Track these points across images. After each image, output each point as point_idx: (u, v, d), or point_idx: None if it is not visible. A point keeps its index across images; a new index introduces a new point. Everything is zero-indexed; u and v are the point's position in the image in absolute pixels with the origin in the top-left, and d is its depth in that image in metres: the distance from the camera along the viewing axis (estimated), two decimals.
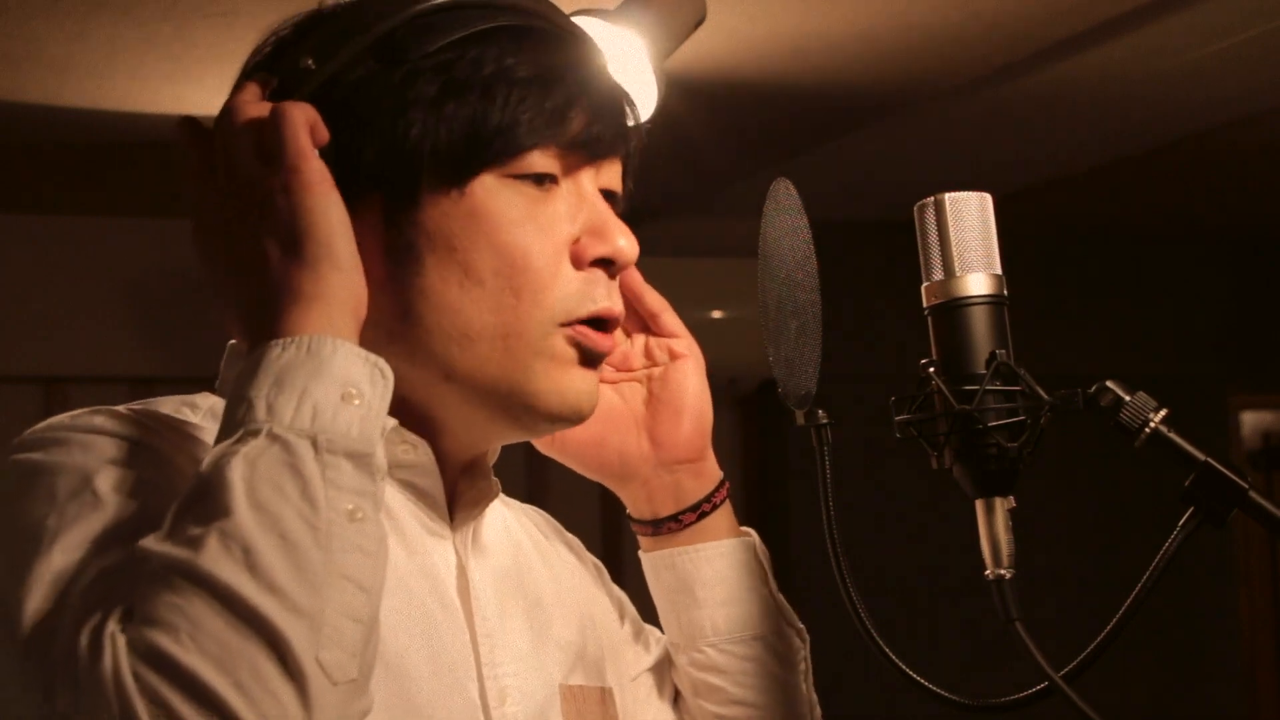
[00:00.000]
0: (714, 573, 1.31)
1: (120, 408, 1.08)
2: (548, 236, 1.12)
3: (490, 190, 1.11)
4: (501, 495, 1.28)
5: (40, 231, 4.03)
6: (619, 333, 1.31)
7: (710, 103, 3.29)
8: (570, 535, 1.39)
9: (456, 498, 1.19)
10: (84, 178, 3.93)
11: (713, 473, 1.33)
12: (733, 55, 3.08)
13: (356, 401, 0.98)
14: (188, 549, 0.91)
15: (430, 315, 1.11)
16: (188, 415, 1.11)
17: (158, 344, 4.03)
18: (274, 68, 1.12)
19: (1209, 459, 1.12)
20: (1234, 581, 4.96)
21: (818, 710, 1.36)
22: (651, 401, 1.32)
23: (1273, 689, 5.12)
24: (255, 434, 0.95)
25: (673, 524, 1.32)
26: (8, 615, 0.97)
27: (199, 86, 3.14)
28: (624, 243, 1.15)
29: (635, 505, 1.34)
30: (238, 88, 1.11)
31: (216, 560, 0.90)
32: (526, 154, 1.11)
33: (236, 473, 0.93)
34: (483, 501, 1.21)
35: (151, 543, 0.93)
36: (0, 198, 3.94)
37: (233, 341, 1.17)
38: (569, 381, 1.14)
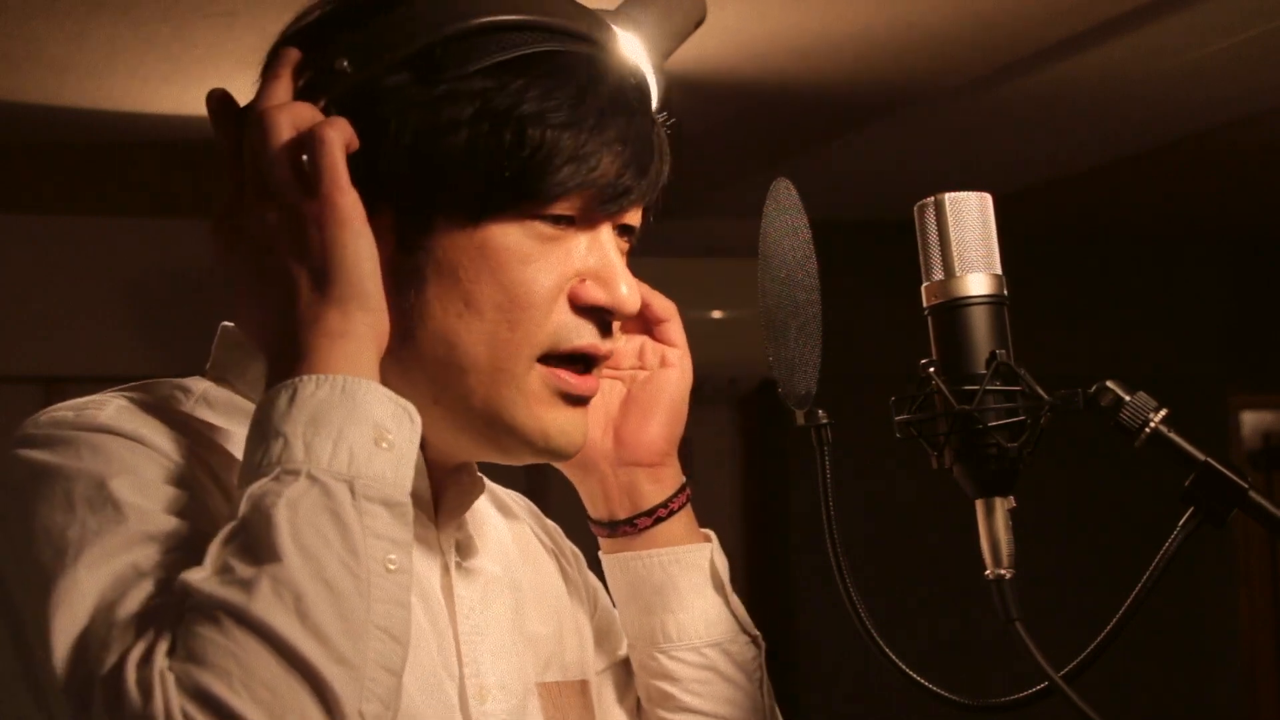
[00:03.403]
0: (666, 578, 1.30)
1: (120, 397, 1.08)
2: (553, 273, 1.11)
3: (506, 229, 1.10)
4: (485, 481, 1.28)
5: (40, 231, 4.03)
6: (616, 329, 1.30)
7: (710, 103, 3.29)
8: (550, 521, 1.39)
9: (441, 495, 1.20)
10: (84, 178, 3.94)
11: (673, 479, 1.31)
12: (733, 55, 3.08)
13: (386, 445, 0.99)
14: (241, 592, 0.92)
15: (426, 341, 1.11)
16: (181, 401, 1.12)
17: (158, 344, 4.03)
18: (308, 59, 1.10)
19: (1209, 459, 1.12)
20: (1234, 581, 4.97)
21: (777, 717, 1.35)
22: (627, 400, 1.31)
23: (1273, 689, 5.12)
24: (294, 474, 0.96)
25: (628, 528, 1.31)
26: (35, 634, 0.96)
27: (198, 86, 3.14)
28: (625, 292, 1.14)
29: (593, 504, 1.33)
30: (271, 75, 1.09)
31: (270, 607, 0.91)
32: (550, 202, 1.10)
33: (282, 515, 0.94)
34: (467, 499, 1.21)
35: (198, 579, 0.93)
36: (0, 198, 3.95)
37: (225, 324, 1.17)
38: (552, 419, 1.13)
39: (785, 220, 1.23)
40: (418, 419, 1.02)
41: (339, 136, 1.04)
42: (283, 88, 1.08)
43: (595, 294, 1.13)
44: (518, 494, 1.38)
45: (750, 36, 2.99)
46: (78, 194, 4.02)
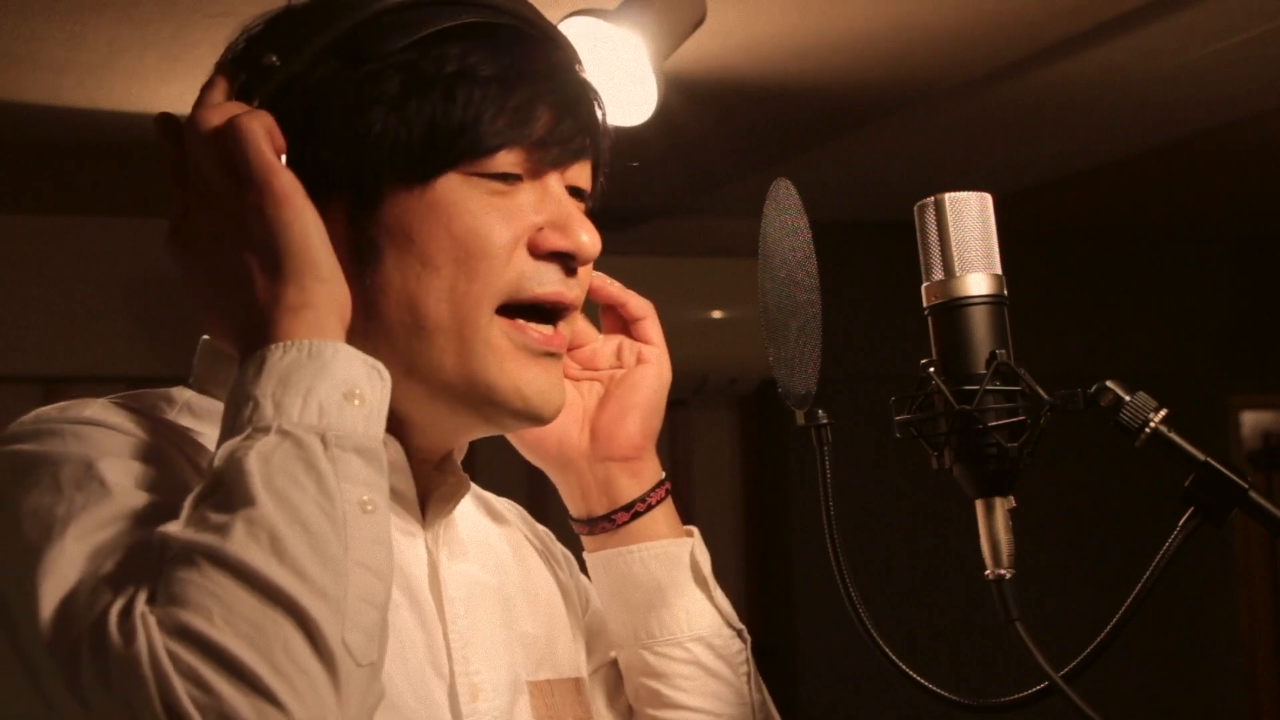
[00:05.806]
0: (646, 574, 1.30)
1: (105, 400, 1.10)
2: (508, 224, 1.13)
3: (452, 186, 1.12)
4: (474, 486, 1.29)
5: (40, 231, 4.02)
6: (590, 329, 1.31)
7: (710, 103, 3.29)
8: (541, 526, 1.39)
9: (428, 495, 1.20)
10: (84, 178, 3.93)
11: (651, 473, 1.32)
12: (733, 55, 3.08)
13: (358, 401, 1.00)
14: (215, 534, 0.93)
15: (390, 310, 1.12)
16: (164, 410, 1.13)
17: (158, 344, 4.03)
18: (241, 63, 1.13)
19: (1209, 459, 1.12)
20: (1234, 581, 4.97)
21: (770, 712, 1.35)
22: (604, 398, 1.32)
23: (1273, 689, 5.12)
24: (265, 430, 0.97)
25: (606, 524, 1.31)
26: (20, 604, 0.97)
27: (198, 86, 3.14)
28: (586, 238, 1.15)
29: (572, 502, 1.34)
30: (207, 85, 1.13)
31: (244, 545, 0.93)
32: (491, 155, 1.12)
33: (253, 465, 0.95)
34: (453, 498, 1.22)
35: (174, 529, 0.94)
36: (0, 198, 3.94)
37: (205, 338, 1.18)
38: (525, 377, 1.14)
39: (785, 220, 1.23)
40: (387, 376, 1.03)
41: (258, 124, 1.06)
42: (216, 93, 1.12)
43: (555, 240, 1.14)
44: (509, 501, 1.38)
45: (750, 36, 2.99)
46: (78, 194, 4.01)
